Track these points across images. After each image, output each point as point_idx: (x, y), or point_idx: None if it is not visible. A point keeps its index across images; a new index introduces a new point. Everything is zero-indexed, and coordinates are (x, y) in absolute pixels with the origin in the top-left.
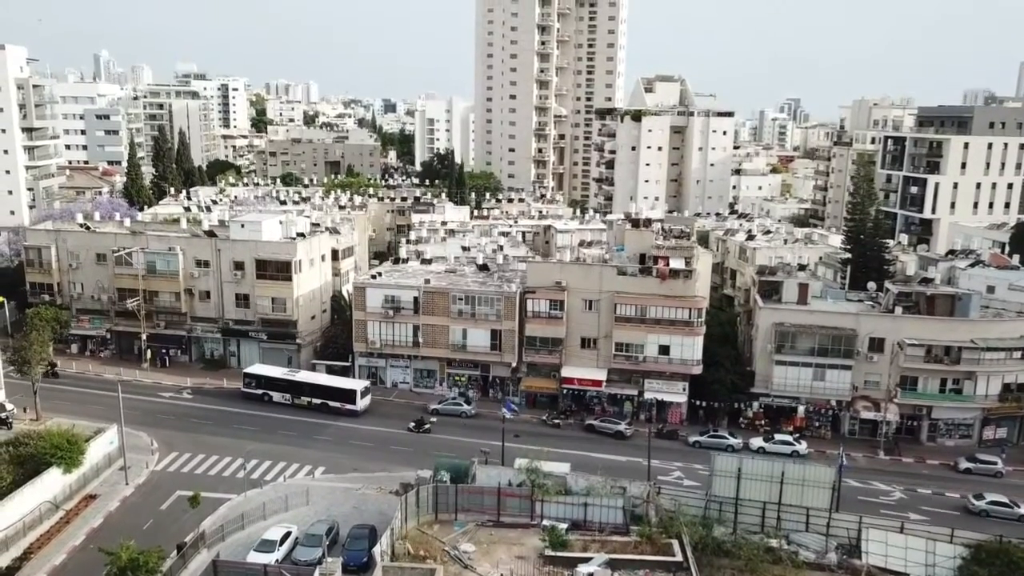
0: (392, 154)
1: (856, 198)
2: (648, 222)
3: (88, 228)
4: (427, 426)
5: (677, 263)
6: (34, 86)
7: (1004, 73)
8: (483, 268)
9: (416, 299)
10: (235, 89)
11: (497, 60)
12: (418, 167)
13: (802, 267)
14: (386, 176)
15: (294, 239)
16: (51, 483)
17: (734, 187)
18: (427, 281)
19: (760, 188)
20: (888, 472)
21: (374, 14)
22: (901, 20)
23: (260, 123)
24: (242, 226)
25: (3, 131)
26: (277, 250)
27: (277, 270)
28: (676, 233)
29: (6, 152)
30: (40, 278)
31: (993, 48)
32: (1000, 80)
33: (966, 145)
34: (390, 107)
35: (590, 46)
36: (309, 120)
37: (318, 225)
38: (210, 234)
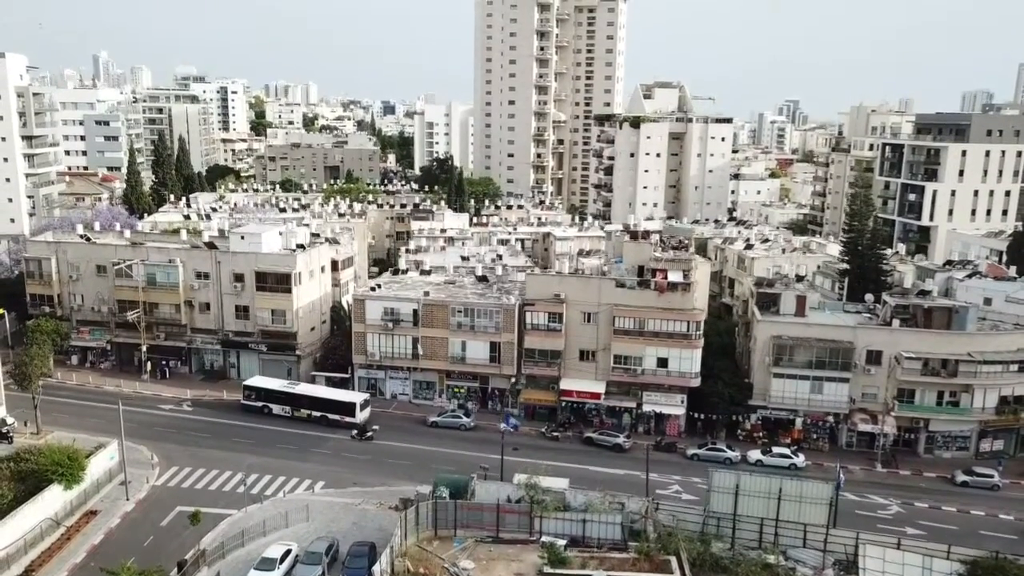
0: (391, 158)
1: (854, 208)
2: (647, 234)
3: (88, 239)
4: (369, 433)
5: (675, 276)
6: (34, 94)
7: (1003, 73)
8: (482, 279)
9: (415, 311)
10: (234, 92)
11: (496, 65)
12: (417, 171)
13: (800, 278)
14: (385, 181)
15: (294, 251)
16: (52, 500)
17: (732, 192)
18: (426, 294)
19: (759, 193)
20: (885, 485)
21: (374, 15)
22: (900, 20)
23: (259, 126)
24: (242, 238)
25: (3, 139)
26: (277, 262)
27: (277, 282)
28: (675, 244)
29: (6, 160)
30: (40, 289)
31: (992, 47)
32: (999, 80)
33: (964, 153)
34: (389, 109)
35: (589, 51)
36: (308, 122)
37: (318, 235)
38: (210, 246)
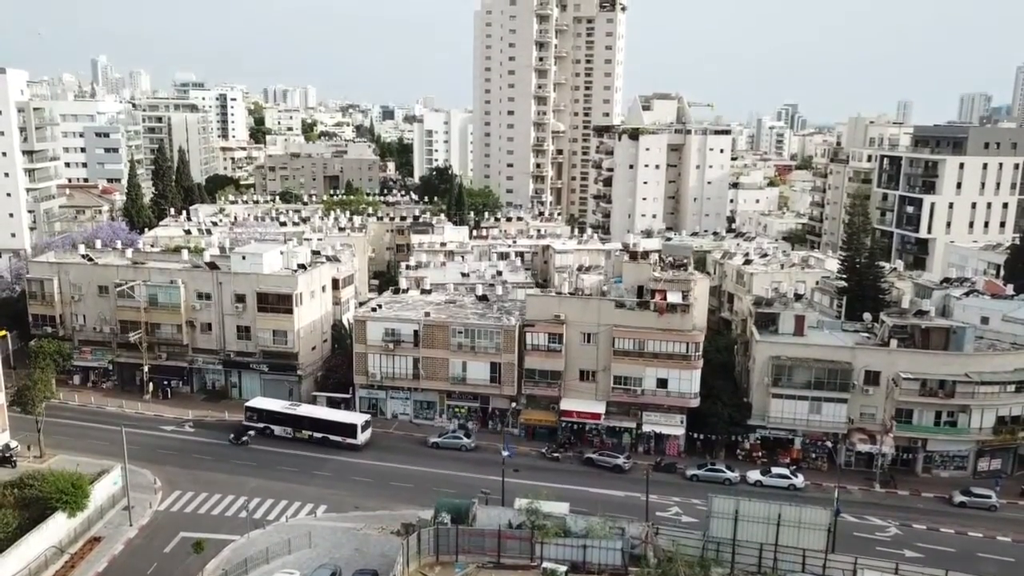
0: (391, 166)
1: (853, 226)
2: (646, 254)
3: (90, 260)
4: (245, 438)
5: (675, 296)
6: (35, 109)
7: (1002, 76)
8: (482, 299)
9: (416, 332)
10: (233, 99)
11: (495, 75)
12: (417, 180)
13: (798, 296)
14: (385, 191)
15: (295, 272)
16: (56, 528)
17: (731, 200)
18: (427, 314)
19: (757, 202)
20: (884, 506)
21: (374, 17)
22: (900, 19)
23: (259, 132)
24: (243, 258)
25: (4, 155)
26: (278, 283)
27: (278, 303)
28: (674, 262)
29: (7, 175)
30: (43, 310)
31: (992, 48)
32: (998, 83)
33: (961, 165)
34: (388, 113)
35: (588, 62)
36: (307, 128)
37: (318, 253)
38: (212, 266)
